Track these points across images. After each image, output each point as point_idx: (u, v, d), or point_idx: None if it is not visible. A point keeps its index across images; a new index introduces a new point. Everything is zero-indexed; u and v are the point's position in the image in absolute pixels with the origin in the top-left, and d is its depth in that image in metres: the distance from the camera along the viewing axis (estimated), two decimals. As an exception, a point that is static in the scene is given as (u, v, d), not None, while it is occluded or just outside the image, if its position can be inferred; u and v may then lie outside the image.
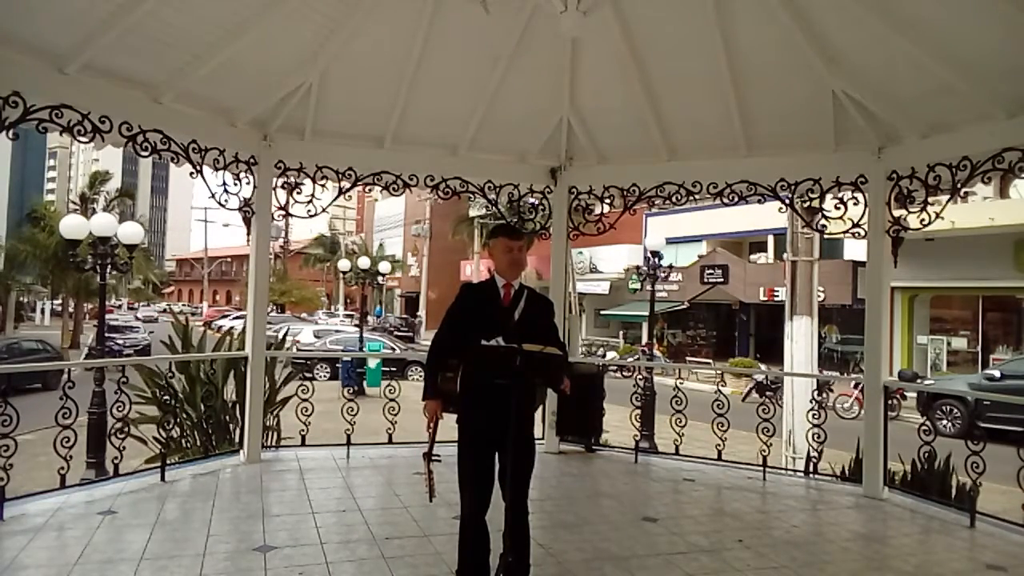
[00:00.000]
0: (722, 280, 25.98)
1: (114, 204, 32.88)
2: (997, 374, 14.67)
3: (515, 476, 3.30)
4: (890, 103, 5.25)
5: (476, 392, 3.32)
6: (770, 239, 26.09)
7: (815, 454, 6.34)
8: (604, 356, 22.81)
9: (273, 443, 7.21)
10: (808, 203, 7.15)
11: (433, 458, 3.50)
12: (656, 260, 13.46)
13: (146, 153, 5.08)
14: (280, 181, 6.13)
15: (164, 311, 51.88)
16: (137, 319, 38.45)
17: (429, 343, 3.68)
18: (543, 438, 6.63)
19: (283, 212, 6.27)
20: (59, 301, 40.05)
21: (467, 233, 35.05)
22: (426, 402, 3.48)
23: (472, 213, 32.87)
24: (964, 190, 5.59)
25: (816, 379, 8.75)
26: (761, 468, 6.16)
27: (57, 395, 5.00)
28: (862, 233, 5.63)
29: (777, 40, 5.07)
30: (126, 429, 5.51)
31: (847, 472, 6.50)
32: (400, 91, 5.83)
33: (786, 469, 7.72)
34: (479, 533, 3.38)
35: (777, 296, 22.79)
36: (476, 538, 3.38)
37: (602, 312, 31.64)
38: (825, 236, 7.82)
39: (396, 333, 35.04)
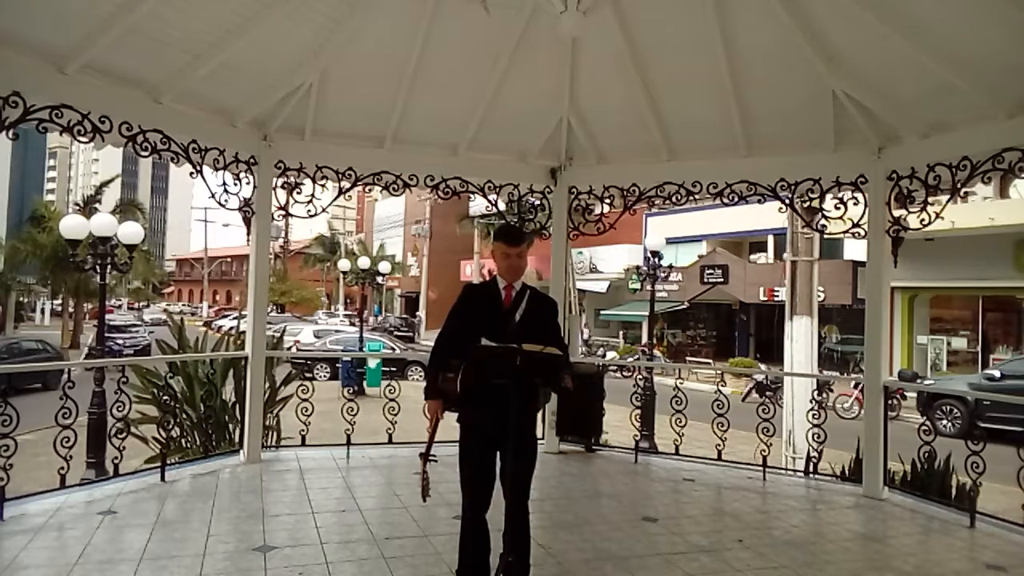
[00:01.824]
0: (722, 280, 25.97)
1: (118, 211, 32.97)
2: (997, 374, 14.67)
3: (515, 476, 3.30)
4: (890, 103, 5.25)
5: (477, 392, 3.33)
6: (770, 239, 26.08)
7: (815, 454, 6.34)
8: (604, 356, 22.82)
9: (273, 443, 7.22)
10: (808, 203, 7.15)
11: (430, 459, 3.51)
12: (656, 260, 13.46)
13: (146, 153, 5.07)
14: (280, 181, 6.13)
15: (164, 311, 52.01)
16: (142, 320, 38.45)
17: (429, 343, 3.69)
18: (543, 438, 6.63)
19: (283, 212, 6.27)
20: (59, 301, 40.09)
21: (468, 230, 35.00)
22: (427, 402, 3.51)
23: (471, 212, 32.86)
24: (964, 190, 5.59)
25: (816, 379, 8.74)
26: (761, 468, 6.16)
27: (57, 395, 5.00)
28: (862, 233, 5.63)
29: (777, 40, 5.07)
30: (126, 429, 5.51)
31: (847, 472, 6.50)
32: (400, 91, 5.83)
33: (786, 469, 7.72)
34: (479, 533, 3.38)
35: (777, 296, 22.79)
36: (476, 538, 3.39)
37: (602, 312, 31.64)
38: (825, 236, 7.82)
39: (396, 333, 35.05)
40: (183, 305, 68.03)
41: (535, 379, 3.30)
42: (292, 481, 5.58)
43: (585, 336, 30.02)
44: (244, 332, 6.57)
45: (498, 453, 3.35)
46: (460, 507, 3.43)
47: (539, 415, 4.79)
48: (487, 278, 3.69)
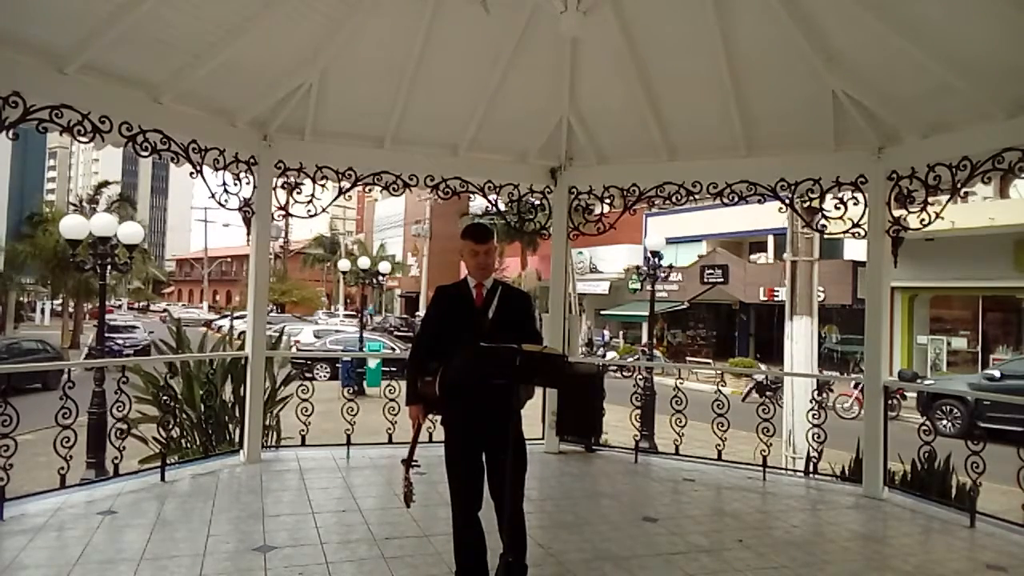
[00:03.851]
0: (722, 280, 25.99)
1: (114, 207, 32.97)
2: (997, 374, 14.68)
3: (514, 476, 3.31)
4: (890, 103, 5.24)
5: (467, 393, 3.31)
6: (770, 239, 26.10)
7: (815, 454, 6.34)
8: (604, 356, 22.82)
9: (273, 443, 7.22)
10: (808, 203, 7.15)
11: (413, 464, 3.50)
12: (656, 260, 13.46)
13: (146, 153, 5.07)
14: (280, 181, 6.13)
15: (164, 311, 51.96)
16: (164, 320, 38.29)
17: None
18: (543, 438, 6.63)
19: (283, 212, 6.27)
20: (59, 301, 40.12)
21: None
22: (408, 407, 3.50)
23: (472, 211, 32.87)
24: (964, 190, 5.59)
25: (816, 379, 8.73)
26: (761, 468, 6.16)
27: (57, 395, 4.99)
28: (862, 233, 5.63)
29: (777, 40, 5.07)
30: (126, 429, 5.51)
31: (847, 472, 6.50)
32: (400, 91, 5.83)
33: (786, 469, 7.72)
34: (474, 533, 3.38)
35: (777, 296, 22.80)
36: (472, 538, 3.38)
37: (602, 312, 31.66)
38: (825, 236, 7.81)
39: (396, 333, 35.05)
40: (183, 305, 68.13)
41: (535, 380, 3.30)
42: (292, 481, 5.58)
43: (605, 338, 29.91)
44: (242, 334, 6.58)
45: (484, 454, 3.34)
46: (451, 508, 3.42)
47: (538, 415, 4.76)
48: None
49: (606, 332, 30.89)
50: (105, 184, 34.66)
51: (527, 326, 3.50)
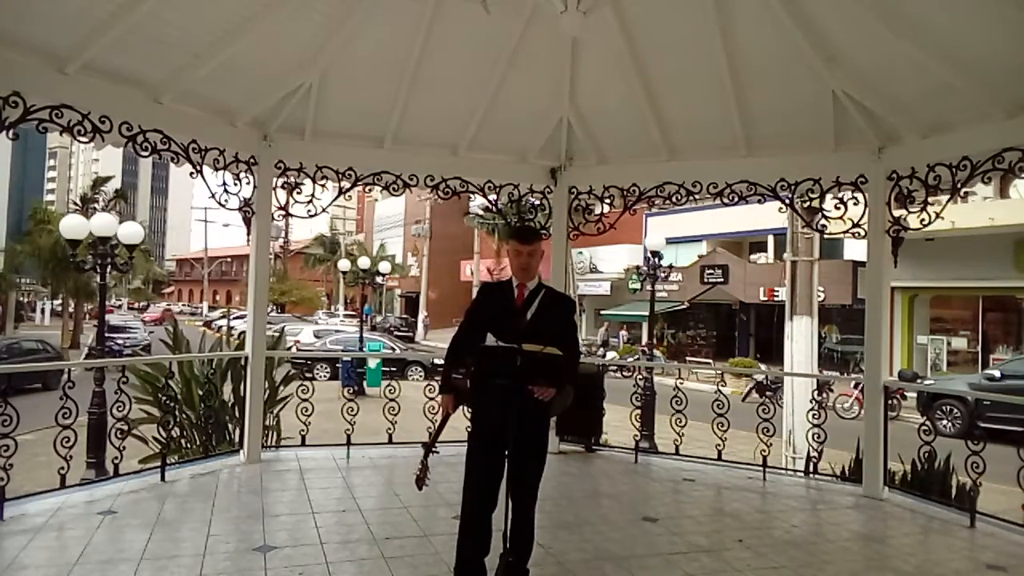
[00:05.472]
0: (722, 280, 25.98)
1: (112, 205, 32.96)
2: (997, 374, 14.68)
3: (517, 478, 3.31)
4: (890, 103, 5.24)
5: (484, 390, 3.37)
6: (770, 239, 26.09)
7: (815, 454, 6.34)
8: (604, 356, 22.81)
9: (273, 443, 7.21)
10: (808, 203, 7.15)
11: (432, 451, 3.60)
12: (656, 260, 13.46)
13: (146, 153, 5.07)
14: (280, 181, 6.14)
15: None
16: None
17: (430, 343, 3.74)
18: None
19: (283, 212, 6.27)
20: (59, 301, 40.12)
21: (473, 224, 34.82)
22: (441, 396, 3.62)
23: (471, 211, 32.81)
24: (964, 190, 5.59)
25: (816, 379, 8.75)
26: (761, 468, 6.16)
27: (57, 395, 4.99)
28: (862, 233, 5.63)
29: (777, 40, 5.07)
30: (126, 429, 5.51)
31: (847, 472, 6.50)
32: (400, 91, 5.83)
33: (786, 469, 7.71)
34: (479, 531, 3.38)
35: (777, 296, 22.80)
36: (475, 536, 3.39)
37: (602, 312, 31.66)
38: (825, 236, 7.82)
39: (396, 333, 35.05)
40: (183, 305, 68.25)
41: (536, 380, 3.31)
42: (292, 481, 5.57)
43: (622, 339, 29.78)
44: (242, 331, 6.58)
45: (506, 453, 3.36)
46: (460, 507, 3.44)
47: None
48: (492, 278, 3.72)
49: (623, 333, 30.84)
50: (103, 181, 34.43)
51: (564, 332, 3.49)
